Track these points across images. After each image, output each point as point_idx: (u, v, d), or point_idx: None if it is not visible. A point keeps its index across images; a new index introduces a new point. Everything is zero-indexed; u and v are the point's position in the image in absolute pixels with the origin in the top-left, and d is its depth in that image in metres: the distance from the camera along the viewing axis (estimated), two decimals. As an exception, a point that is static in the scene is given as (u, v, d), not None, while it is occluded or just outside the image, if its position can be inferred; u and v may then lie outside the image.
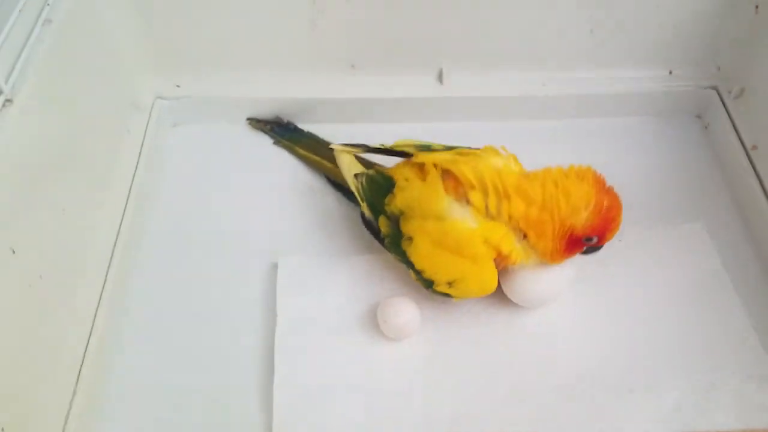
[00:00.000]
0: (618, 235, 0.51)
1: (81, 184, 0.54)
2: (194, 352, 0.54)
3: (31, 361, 0.46)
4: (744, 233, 0.62)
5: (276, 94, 0.68)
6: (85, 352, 0.51)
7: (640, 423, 0.50)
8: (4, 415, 0.42)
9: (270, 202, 0.64)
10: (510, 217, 0.50)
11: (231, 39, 0.66)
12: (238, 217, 0.63)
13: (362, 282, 0.58)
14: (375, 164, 0.60)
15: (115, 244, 0.57)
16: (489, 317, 0.56)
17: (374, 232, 0.57)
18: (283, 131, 0.69)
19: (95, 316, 0.53)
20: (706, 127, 0.71)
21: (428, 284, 0.53)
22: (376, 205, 0.55)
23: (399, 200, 0.53)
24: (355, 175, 0.58)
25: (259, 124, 0.70)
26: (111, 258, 0.57)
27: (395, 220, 0.53)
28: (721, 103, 0.69)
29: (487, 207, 0.50)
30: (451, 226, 0.50)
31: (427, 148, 0.56)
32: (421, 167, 0.54)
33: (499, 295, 0.54)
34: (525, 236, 0.51)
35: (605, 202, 0.49)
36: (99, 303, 0.54)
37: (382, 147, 0.59)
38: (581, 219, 0.49)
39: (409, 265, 0.53)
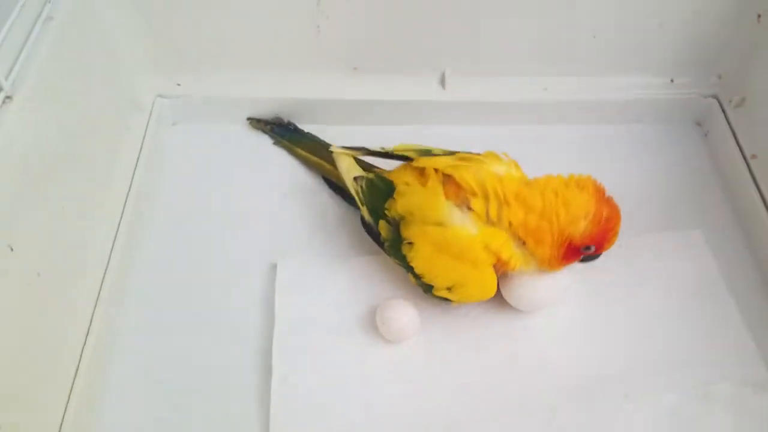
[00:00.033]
0: (617, 241, 0.51)
1: (80, 181, 0.54)
2: (193, 352, 0.54)
3: (28, 360, 0.46)
4: (742, 241, 0.63)
5: (277, 94, 0.68)
6: (83, 351, 0.51)
7: (636, 428, 0.50)
8: (2, 414, 0.42)
9: (270, 203, 0.64)
10: (510, 224, 0.50)
11: (234, 38, 0.65)
12: (238, 217, 0.63)
13: (361, 284, 0.58)
14: (374, 167, 0.60)
15: (114, 243, 0.57)
16: (488, 321, 0.56)
17: (374, 235, 0.57)
18: (283, 131, 0.69)
19: (93, 314, 0.53)
20: (706, 135, 0.72)
21: (428, 288, 0.53)
22: (376, 210, 0.55)
23: (399, 205, 0.53)
24: (355, 179, 0.58)
25: (259, 124, 0.70)
26: (110, 256, 0.56)
27: (395, 225, 0.53)
28: (721, 111, 0.69)
29: (487, 213, 0.50)
30: (452, 233, 0.50)
31: (427, 153, 0.56)
32: (421, 171, 0.54)
33: (497, 299, 0.55)
34: (524, 243, 0.51)
35: (604, 213, 0.49)
36: (97, 302, 0.54)
37: (383, 151, 0.59)
38: (580, 228, 0.49)
39: (409, 269, 0.53)
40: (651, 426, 0.50)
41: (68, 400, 0.49)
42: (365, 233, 0.59)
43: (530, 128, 0.70)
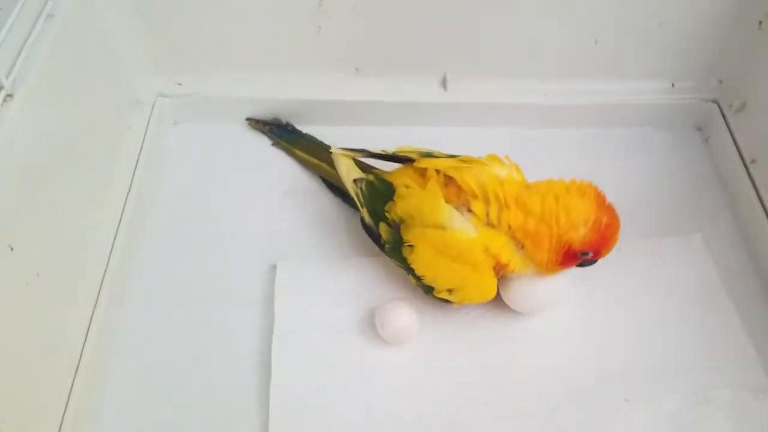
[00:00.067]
0: (616, 245, 0.51)
1: (81, 180, 0.54)
2: (192, 352, 0.54)
3: (28, 360, 0.45)
4: (741, 245, 0.63)
5: (278, 94, 0.68)
6: (82, 351, 0.51)
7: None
8: (2, 414, 0.41)
9: (270, 203, 0.64)
10: (509, 227, 0.50)
11: (235, 38, 0.65)
12: (238, 218, 0.63)
13: (361, 285, 0.58)
14: (374, 168, 0.60)
15: (114, 242, 0.57)
16: (487, 323, 0.56)
17: (374, 237, 0.57)
18: (281, 132, 0.69)
19: (93, 314, 0.53)
20: (706, 140, 0.72)
21: (428, 290, 0.53)
22: (376, 212, 0.55)
23: (400, 208, 0.53)
24: (354, 180, 0.58)
25: (258, 124, 0.69)
26: (110, 256, 0.56)
27: (396, 227, 0.53)
28: (721, 116, 0.70)
29: (487, 215, 0.50)
30: (452, 236, 0.50)
31: (428, 156, 0.56)
32: (421, 173, 0.54)
33: (497, 301, 0.55)
34: (522, 246, 0.51)
35: (604, 220, 0.49)
36: (97, 301, 0.53)
37: (384, 153, 0.58)
38: (579, 235, 0.49)
39: (410, 270, 0.53)
40: (651, 430, 0.50)
41: (68, 400, 0.49)
42: (365, 234, 0.59)
43: (531, 131, 0.70)
